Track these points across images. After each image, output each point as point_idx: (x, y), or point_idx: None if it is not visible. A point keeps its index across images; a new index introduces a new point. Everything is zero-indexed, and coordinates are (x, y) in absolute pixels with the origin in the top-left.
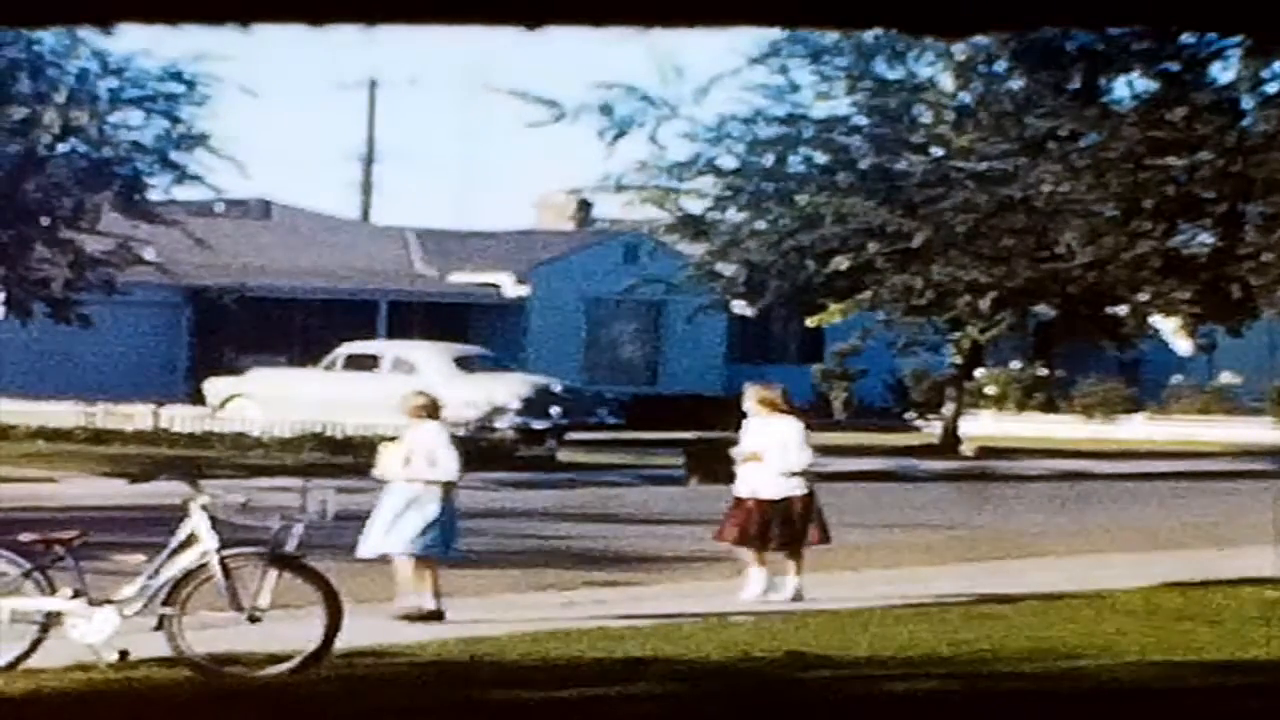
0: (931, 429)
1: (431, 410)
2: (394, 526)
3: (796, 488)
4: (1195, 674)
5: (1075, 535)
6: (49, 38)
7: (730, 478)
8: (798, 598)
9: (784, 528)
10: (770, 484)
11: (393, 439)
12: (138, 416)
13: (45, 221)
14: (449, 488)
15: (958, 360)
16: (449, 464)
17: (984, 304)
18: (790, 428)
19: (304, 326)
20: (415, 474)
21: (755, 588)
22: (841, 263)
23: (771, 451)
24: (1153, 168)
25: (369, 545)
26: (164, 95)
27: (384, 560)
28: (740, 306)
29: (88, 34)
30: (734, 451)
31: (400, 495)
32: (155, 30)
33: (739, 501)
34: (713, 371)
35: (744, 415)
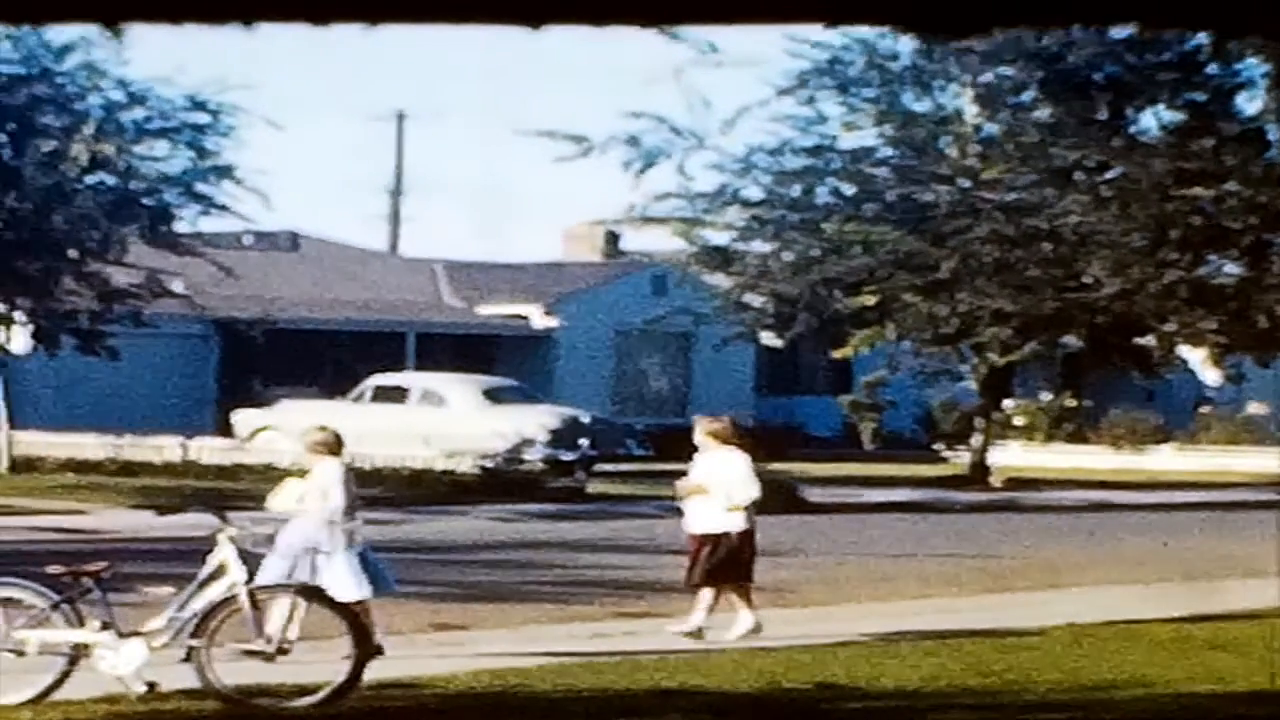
0: (960, 460)
1: (333, 447)
2: (289, 562)
3: (736, 523)
4: (1224, 705)
5: (1104, 566)
6: (74, 70)
7: (760, 508)
8: (699, 635)
9: (715, 563)
10: (711, 518)
11: (301, 474)
12: (166, 448)
13: (73, 254)
14: (346, 528)
15: (973, 385)
16: (337, 500)
17: (1006, 333)
18: (737, 461)
19: (332, 358)
20: (308, 509)
21: (740, 626)
22: (868, 299)
23: (716, 485)
24: (1180, 198)
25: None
26: (189, 126)
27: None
28: (769, 337)
29: (110, 64)
30: (678, 485)
31: (298, 532)
32: (175, 56)
33: (691, 539)
34: (741, 403)
35: (770, 445)
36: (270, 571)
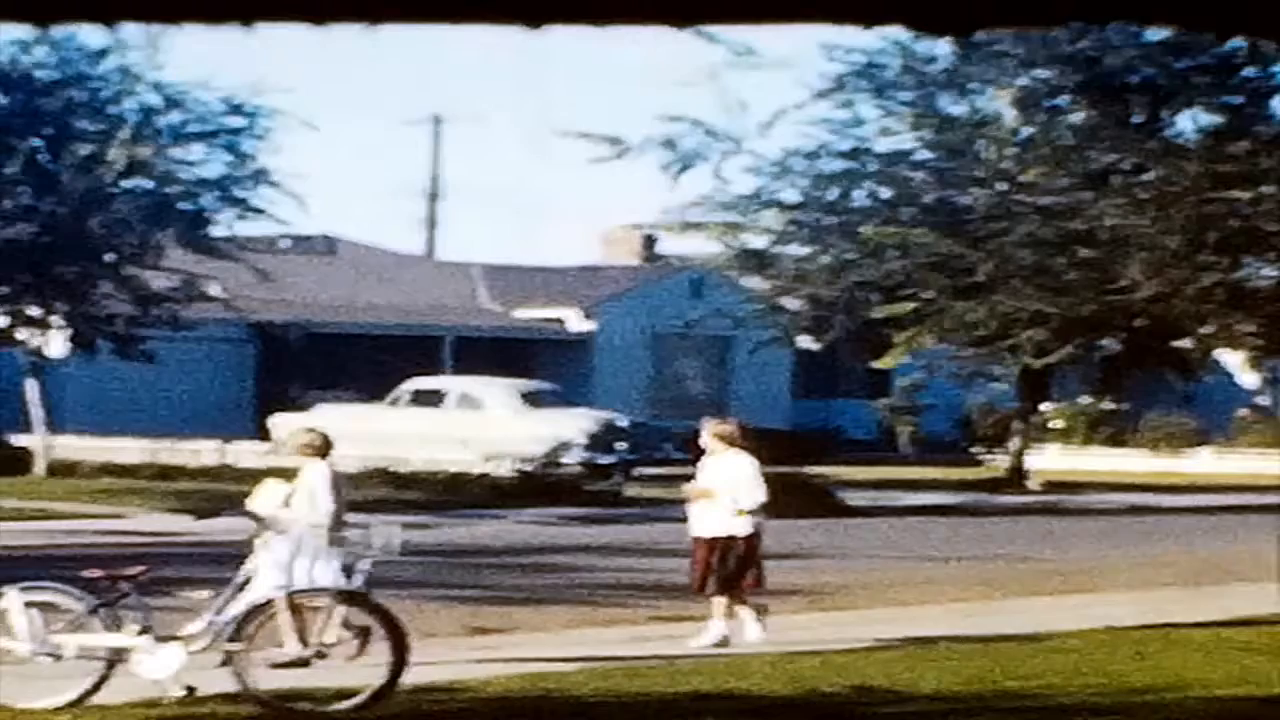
0: (998, 463)
1: (320, 449)
2: (284, 569)
3: (741, 527)
4: (1262, 709)
5: (1142, 569)
6: (110, 74)
7: (798, 511)
8: (724, 644)
9: (720, 569)
10: (717, 522)
11: (291, 474)
12: (203, 452)
13: (110, 258)
14: (333, 532)
15: (1010, 387)
16: (325, 506)
17: (1043, 335)
18: (743, 464)
19: (370, 362)
20: (295, 514)
21: (707, 637)
22: (905, 306)
23: (723, 488)
24: (1216, 200)
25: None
26: (226, 130)
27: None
28: (806, 341)
29: (145, 68)
30: (684, 489)
31: (285, 537)
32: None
33: (695, 542)
34: (779, 406)
35: (808, 449)
36: (266, 580)
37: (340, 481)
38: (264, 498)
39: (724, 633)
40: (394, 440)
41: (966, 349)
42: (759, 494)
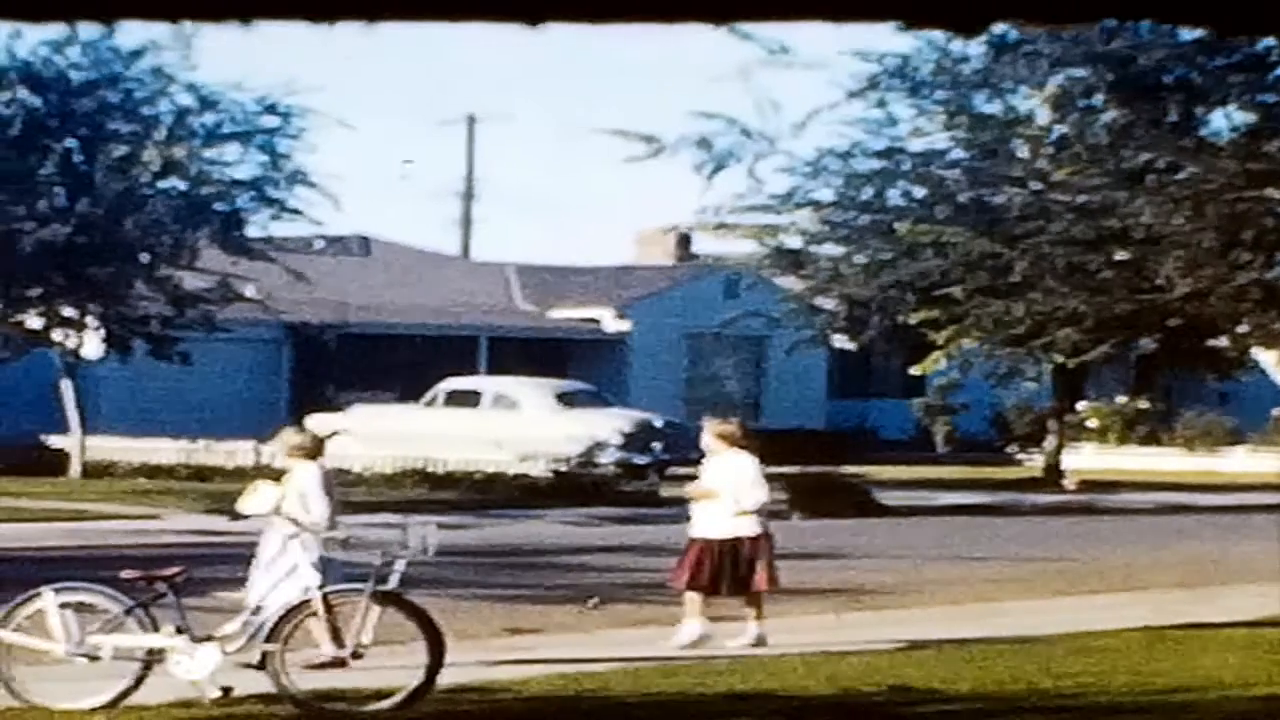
0: (1033, 462)
1: (311, 450)
2: (275, 575)
3: (747, 528)
4: None
5: (1179, 568)
6: (144, 74)
7: (833, 511)
8: (759, 643)
9: (732, 571)
10: (720, 523)
11: (278, 477)
12: (239, 453)
13: (145, 259)
14: (326, 535)
15: (1044, 386)
16: (318, 509)
17: (1077, 334)
18: (745, 464)
19: (405, 363)
20: (286, 516)
21: (683, 636)
22: (939, 311)
23: (725, 489)
24: (1251, 199)
25: (254, 594)
26: (260, 130)
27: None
28: (841, 340)
29: (179, 69)
30: (687, 489)
31: (275, 540)
32: (245, 59)
33: (691, 542)
34: (815, 406)
35: (843, 449)
36: (260, 585)
37: (331, 482)
38: (254, 500)
39: (700, 632)
40: (429, 440)
41: (1002, 348)
42: (761, 494)
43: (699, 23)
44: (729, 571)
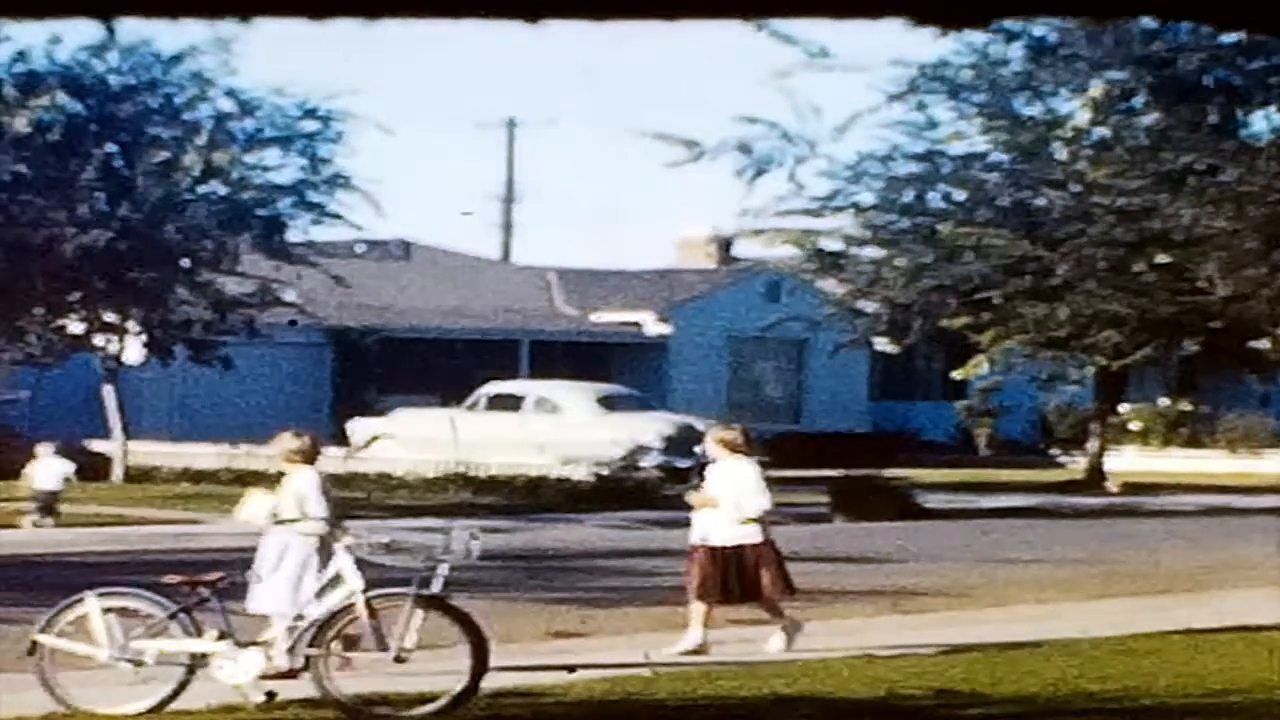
0: (1076, 465)
1: (308, 455)
2: (280, 581)
3: (749, 535)
4: None
5: (1222, 571)
6: (184, 79)
7: (876, 514)
8: (786, 648)
9: (739, 579)
10: (722, 531)
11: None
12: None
13: (186, 264)
14: (325, 539)
15: (1086, 389)
16: (317, 512)
17: (1119, 337)
18: (747, 471)
19: (447, 367)
20: (284, 521)
21: (685, 643)
22: (981, 316)
23: (727, 496)
24: None
25: (257, 601)
26: (300, 134)
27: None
28: (883, 343)
29: (218, 73)
30: (688, 496)
31: (275, 545)
32: (285, 63)
33: (693, 549)
34: (856, 409)
35: (885, 452)
36: (260, 593)
37: (329, 487)
38: (251, 508)
39: (700, 640)
40: (472, 445)
41: (1044, 351)
42: (763, 501)
43: (699, 20)
44: (735, 579)
